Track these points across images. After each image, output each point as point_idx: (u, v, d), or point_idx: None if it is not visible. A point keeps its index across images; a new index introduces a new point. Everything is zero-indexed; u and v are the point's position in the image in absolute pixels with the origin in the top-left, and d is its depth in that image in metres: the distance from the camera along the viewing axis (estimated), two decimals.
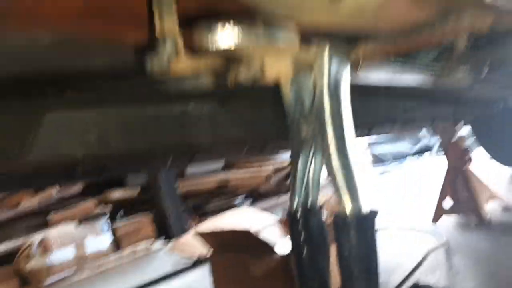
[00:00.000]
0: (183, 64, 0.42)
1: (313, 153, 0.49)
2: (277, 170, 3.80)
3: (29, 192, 2.80)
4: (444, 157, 2.86)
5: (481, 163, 3.21)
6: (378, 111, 1.75)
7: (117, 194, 3.17)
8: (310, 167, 0.50)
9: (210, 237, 2.06)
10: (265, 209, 3.26)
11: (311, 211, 0.49)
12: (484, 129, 3.33)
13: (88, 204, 3.00)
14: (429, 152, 6.02)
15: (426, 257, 2.18)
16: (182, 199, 3.36)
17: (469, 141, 3.14)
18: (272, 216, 2.53)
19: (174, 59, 0.42)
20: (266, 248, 1.87)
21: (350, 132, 0.46)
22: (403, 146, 6.01)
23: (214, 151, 1.44)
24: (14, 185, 1.03)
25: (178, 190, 3.35)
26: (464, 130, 3.12)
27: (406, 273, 2.04)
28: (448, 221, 2.71)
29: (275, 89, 1.34)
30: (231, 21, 0.39)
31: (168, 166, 1.75)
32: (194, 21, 0.42)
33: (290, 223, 0.50)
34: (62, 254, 2.67)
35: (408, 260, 2.17)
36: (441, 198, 2.74)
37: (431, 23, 0.44)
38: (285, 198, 3.70)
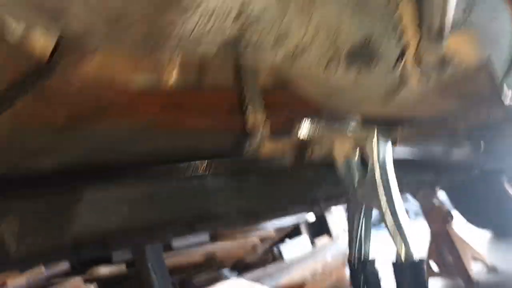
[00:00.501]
0: (269, 147, 0.54)
1: (365, 212, 0.61)
2: (262, 240, 3.84)
3: (16, 271, 2.75)
4: (424, 220, 3.01)
5: (462, 225, 3.38)
6: None
7: (104, 270, 3.13)
8: (362, 225, 0.61)
9: None
10: (253, 280, 3.28)
11: (365, 261, 0.60)
12: (459, 194, 3.54)
13: (76, 282, 2.95)
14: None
15: None
16: (169, 273, 3.33)
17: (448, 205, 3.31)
18: (264, 286, 2.57)
19: (262, 144, 0.54)
20: None
21: (397, 195, 0.58)
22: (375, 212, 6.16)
23: (227, 221, 1.53)
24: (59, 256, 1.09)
25: (164, 262, 3.33)
26: (443, 194, 3.31)
27: None
28: (435, 285, 2.80)
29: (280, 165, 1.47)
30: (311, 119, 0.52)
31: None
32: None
33: (350, 271, 0.60)
34: None
35: None
36: (427, 261, 2.85)
37: (454, 114, 0.58)
38: (271, 268, 3.72)
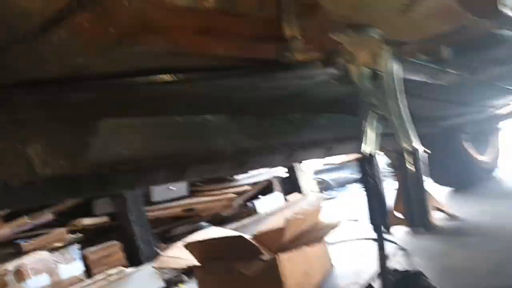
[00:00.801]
0: (303, 54, 0.66)
1: (377, 117, 0.73)
2: (238, 195, 3.98)
3: (0, 221, 2.79)
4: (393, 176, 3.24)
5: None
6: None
7: (87, 221, 3.21)
8: (373, 126, 0.74)
9: (198, 247, 2.21)
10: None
11: (374, 156, 0.73)
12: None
13: (60, 232, 3.02)
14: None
15: (388, 258, 2.47)
16: (150, 225, 3.44)
17: None
18: (245, 235, 2.72)
19: (299, 51, 0.65)
20: (256, 251, 2.06)
21: (403, 101, 0.71)
22: (345, 173, 6.42)
23: (228, 159, 1.64)
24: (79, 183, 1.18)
25: (145, 215, 3.44)
26: None
27: (374, 273, 2.32)
28: (400, 230, 3.04)
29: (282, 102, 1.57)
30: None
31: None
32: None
33: (365, 162, 0.74)
34: (37, 281, 2.66)
35: (372, 258, 2.45)
36: (393, 209, 3.08)
37: (455, 32, 0.71)
38: (247, 221, 3.88)
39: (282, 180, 4.57)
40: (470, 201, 3.45)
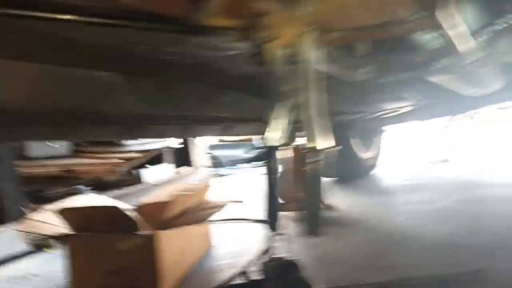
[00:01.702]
0: (223, 19, 0.57)
1: (290, 105, 0.67)
2: (125, 161, 3.78)
3: None
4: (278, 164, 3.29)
5: None
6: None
7: None
8: (284, 115, 0.67)
9: (70, 215, 2.01)
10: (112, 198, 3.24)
11: (282, 146, 0.67)
12: None
13: None
14: (261, 161, 6.62)
15: (273, 240, 2.51)
16: (21, 183, 3.12)
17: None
18: (123, 203, 2.57)
19: (216, 13, 0.56)
20: (132, 225, 1.93)
21: (318, 93, 0.66)
22: (239, 152, 6.47)
23: (117, 123, 1.48)
24: None
25: (15, 170, 3.10)
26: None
27: (259, 253, 2.34)
28: (284, 216, 3.12)
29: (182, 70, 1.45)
30: None
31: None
32: None
33: (269, 151, 0.67)
34: None
35: (253, 240, 2.47)
36: (282, 195, 3.14)
37: (385, 25, 0.66)
38: (131, 190, 3.70)
39: (174, 152, 4.43)
40: (349, 194, 3.65)
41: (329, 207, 3.23)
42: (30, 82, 1.07)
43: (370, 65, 0.92)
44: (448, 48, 0.80)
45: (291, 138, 0.66)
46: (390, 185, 3.83)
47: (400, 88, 1.87)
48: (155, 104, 1.48)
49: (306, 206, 0.63)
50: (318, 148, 0.66)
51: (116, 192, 3.54)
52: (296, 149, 3.15)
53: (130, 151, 3.85)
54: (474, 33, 0.88)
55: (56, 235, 2.01)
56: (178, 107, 1.57)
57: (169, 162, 4.36)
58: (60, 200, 2.79)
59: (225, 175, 5.59)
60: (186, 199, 2.29)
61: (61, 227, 2.07)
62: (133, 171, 3.96)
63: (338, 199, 3.48)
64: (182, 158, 4.58)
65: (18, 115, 1.19)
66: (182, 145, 4.46)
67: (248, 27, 0.60)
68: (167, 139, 4.14)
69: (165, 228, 2.07)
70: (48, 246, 3.09)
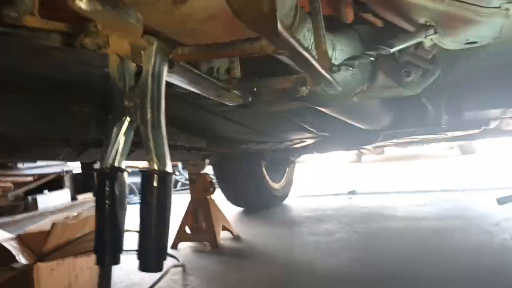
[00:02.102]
0: (36, 20, 0.48)
1: (128, 125, 0.60)
2: (17, 185, 3.47)
3: None
4: (189, 190, 3.20)
5: (220, 199, 3.69)
6: None
7: None
8: (122, 133, 0.60)
9: None
10: None
11: (117, 171, 0.59)
12: (224, 171, 3.87)
13: None
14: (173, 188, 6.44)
15: (163, 276, 2.37)
16: None
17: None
18: (6, 233, 2.33)
19: (29, 12, 0.48)
20: (9, 257, 1.73)
21: (163, 112, 0.59)
22: None
23: None
24: None
25: None
26: (209, 168, 3.55)
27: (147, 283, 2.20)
28: (187, 247, 3.00)
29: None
30: None
31: None
32: None
33: (99, 181, 0.58)
34: None
35: (149, 277, 2.32)
36: (183, 225, 3.03)
37: (234, 44, 0.62)
38: (22, 216, 3.39)
39: (75, 176, 4.15)
40: (256, 224, 3.63)
41: (237, 237, 3.17)
42: None
43: (241, 88, 0.88)
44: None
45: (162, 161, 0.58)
46: (297, 216, 3.86)
47: (298, 118, 1.88)
48: (28, 126, 1.34)
49: (144, 236, 0.55)
50: (168, 171, 0.59)
51: (4, 219, 3.22)
52: (201, 176, 3.07)
53: (25, 175, 3.54)
54: (344, 61, 0.88)
55: None
56: (60, 128, 1.44)
57: (69, 187, 4.07)
58: None
59: (136, 203, 5.34)
60: (74, 228, 2.11)
61: None
62: (28, 197, 3.63)
63: (244, 228, 3.43)
64: (86, 183, 4.30)
65: None
66: (84, 170, 4.18)
67: (75, 32, 0.52)
68: (65, 162, 3.86)
69: (47, 260, 1.88)
70: None
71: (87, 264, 2.21)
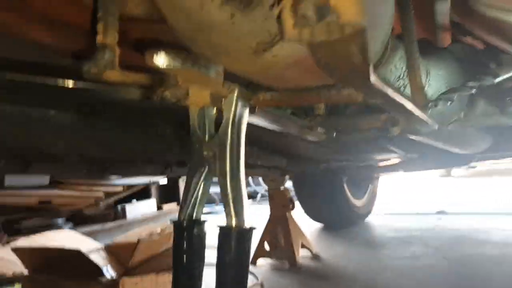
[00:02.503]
0: (116, 73, 0.47)
1: (206, 174, 0.57)
2: (107, 195, 3.67)
3: None
4: (268, 205, 3.17)
5: (298, 216, 3.63)
6: None
7: None
8: (201, 185, 0.58)
9: (29, 254, 1.89)
10: (89, 234, 3.11)
11: (196, 223, 0.56)
12: (304, 187, 3.81)
13: None
14: (252, 199, 6.49)
15: None
16: None
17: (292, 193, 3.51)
18: (95, 242, 2.45)
19: (109, 68, 0.47)
20: (96, 271, 1.81)
21: (243, 161, 0.56)
22: None
23: (67, 167, 1.39)
24: None
25: None
26: (289, 183, 3.51)
27: None
28: (265, 263, 2.98)
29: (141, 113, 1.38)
30: (168, 47, 0.46)
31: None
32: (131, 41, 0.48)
33: (176, 232, 0.57)
34: None
35: None
36: (261, 241, 3.01)
37: (319, 90, 0.57)
38: (111, 225, 3.58)
39: (161, 187, 4.31)
40: (336, 243, 3.51)
41: (316, 256, 3.09)
42: None
43: (325, 126, 0.83)
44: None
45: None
46: (381, 236, 3.69)
47: (384, 141, 1.78)
48: (117, 147, 1.39)
49: None
50: (247, 227, 0.55)
51: (95, 227, 3.41)
52: (281, 193, 3.04)
53: (114, 185, 3.74)
54: (441, 95, 0.80)
55: (11, 276, 1.89)
56: (144, 150, 1.49)
57: (155, 197, 4.24)
58: (36, 233, 2.67)
59: (216, 212, 5.45)
60: (158, 243, 2.17)
61: (18, 265, 1.95)
62: (118, 206, 3.84)
63: (324, 246, 3.33)
64: (170, 193, 4.46)
65: None
66: (168, 181, 4.33)
67: (154, 84, 0.51)
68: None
69: (132, 274, 1.95)
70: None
71: (169, 279, 2.26)
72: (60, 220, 3.35)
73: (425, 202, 5.25)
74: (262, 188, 6.74)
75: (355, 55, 0.39)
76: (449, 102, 0.79)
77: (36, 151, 1.35)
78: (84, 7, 0.48)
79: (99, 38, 0.45)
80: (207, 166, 0.57)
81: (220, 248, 0.53)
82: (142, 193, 4.11)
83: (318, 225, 4.15)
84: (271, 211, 3.09)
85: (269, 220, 3.05)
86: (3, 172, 1.59)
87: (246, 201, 0.56)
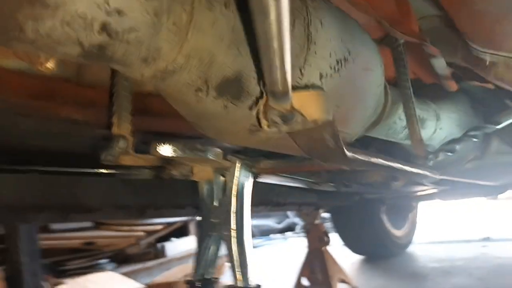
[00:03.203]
0: (130, 158, 0.54)
1: (215, 238, 0.62)
2: (148, 233, 3.77)
3: None
4: (305, 238, 3.17)
5: (337, 247, 3.60)
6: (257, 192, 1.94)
7: None
8: (211, 247, 0.63)
9: None
10: (131, 273, 3.21)
11: (208, 282, 0.62)
12: (341, 218, 3.78)
13: None
14: (292, 231, 6.47)
15: None
16: (42, 255, 3.15)
17: (328, 226, 3.50)
18: (137, 284, 2.53)
19: (123, 154, 0.54)
20: None
21: (248, 225, 0.61)
22: (269, 222, 6.35)
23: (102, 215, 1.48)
24: None
25: (38, 244, 3.14)
26: (324, 215, 3.50)
27: None
28: None
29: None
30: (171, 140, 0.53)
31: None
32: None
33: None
34: None
35: None
36: (300, 276, 3.00)
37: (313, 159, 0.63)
38: (152, 263, 3.66)
39: (199, 224, 4.39)
40: (376, 276, 3.44)
41: None
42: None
43: (330, 181, 0.87)
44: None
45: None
46: (422, 267, 3.59)
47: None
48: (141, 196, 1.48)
49: None
50: (251, 285, 0.60)
51: (136, 266, 3.51)
52: (316, 227, 3.03)
53: (154, 224, 3.85)
54: (442, 147, 0.82)
55: None
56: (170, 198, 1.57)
57: (194, 234, 4.31)
58: (80, 274, 2.79)
59: (256, 246, 5.46)
60: None
61: None
62: (157, 244, 3.93)
63: (363, 280, 3.28)
64: None
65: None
66: None
67: (163, 164, 0.57)
68: None
69: None
70: None
71: None
72: (103, 261, 3.46)
73: (468, 228, 5.06)
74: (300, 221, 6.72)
75: (328, 140, 0.44)
76: (450, 153, 0.81)
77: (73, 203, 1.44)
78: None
79: (114, 129, 0.53)
80: (214, 231, 0.62)
81: None
82: (181, 231, 4.20)
83: (358, 257, 4.09)
84: (308, 245, 3.08)
85: (306, 255, 3.04)
86: (45, 221, 1.70)
87: (252, 263, 0.61)
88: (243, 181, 0.62)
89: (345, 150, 0.48)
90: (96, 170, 0.59)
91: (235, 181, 0.61)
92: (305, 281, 3.01)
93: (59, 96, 0.65)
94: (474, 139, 0.84)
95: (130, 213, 1.90)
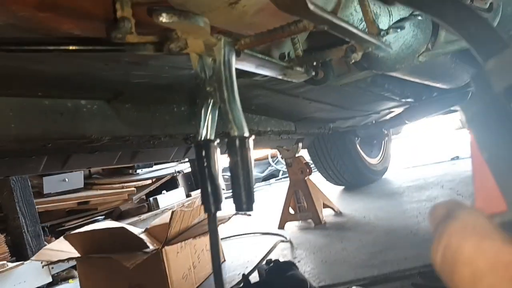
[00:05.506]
0: (135, 37, 0.69)
1: (212, 103, 0.78)
2: (139, 189, 3.92)
3: None
4: (288, 174, 3.38)
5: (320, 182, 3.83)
6: None
7: None
8: (209, 113, 0.78)
9: (80, 239, 2.14)
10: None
11: (210, 141, 0.77)
12: (320, 155, 4.00)
13: None
14: (275, 178, 6.72)
15: (272, 250, 2.60)
16: (39, 218, 3.28)
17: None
18: (136, 228, 2.69)
19: (129, 33, 0.68)
20: (140, 244, 2.04)
21: (235, 91, 0.77)
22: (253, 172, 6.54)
23: (102, 146, 1.61)
24: None
25: (35, 208, 3.27)
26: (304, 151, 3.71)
27: (259, 258, 2.44)
28: (293, 226, 3.20)
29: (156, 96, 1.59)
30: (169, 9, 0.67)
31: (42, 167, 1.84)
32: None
33: (196, 151, 0.77)
34: None
35: (262, 251, 2.56)
36: (286, 206, 3.23)
37: (283, 28, 0.78)
38: (146, 215, 3.83)
39: (186, 176, 4.56)
40: (357, 199, 3.70)
41: (339, 213, 3.30)
42: (16, 118, 1.21)
43: (302, 65, 1.02)
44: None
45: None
46: (398, 187, 3.86)
47: (376, 88, 1.96)
48: (139, 126, 1.61)
49: (240, 189, 0.72)
50: (246, 135, 0.75)
51: (133, 219, 3.68)
52: (297, 159, 3.24)
53: (143, 179, 4.00)
54: (391, 26, 0.98)
55: (66, 260, 2.14)
56: (166, 127, 1.70)
57: (183, 186, 4.48)
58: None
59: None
60: (190, 215, 2.39)
61: (71, 253, 2.20)
62: (149, 198, 4.09)
63: (345, 204, 3.53)
64: (196, 181, 4.70)
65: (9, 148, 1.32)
66: (191, 169, 4.58)
67: (163, 40, 0.72)
68: (176, 163, 4.27)
69: (171, 244, 2.17)
70: (72, 277, 3.24)
71: (206, 247, 2.50)
72: (100, 218, 3.62)
73: (440, 152, 5.38)
74: (283, 166, 6.96)
75: None
76: (399, 30, 0.97)
77: (74, 144, 1.56)
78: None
79: (118, 13, 0.67)
80: (210, 98, 0.77)
81: (230, 152, 0.74)
82: (170, 184, 4.36)
83: (339, 188, 4.35)
84: (290, 177, 3.30)
85: (290, 186, 3.26)
86: (44, 170, 1.82)
87: (243, 119, 0.77)
88: (229, 55, 0.77)
89: (308, 1, 0.63)
90: (109, 47, 0.71)
91: (222, 54, 0.76)
92: (291, 211, 3.25)
93: (61, 7, 0.75)
94: (419, 17, 1.00)
95: (126, 151, 2.04)
